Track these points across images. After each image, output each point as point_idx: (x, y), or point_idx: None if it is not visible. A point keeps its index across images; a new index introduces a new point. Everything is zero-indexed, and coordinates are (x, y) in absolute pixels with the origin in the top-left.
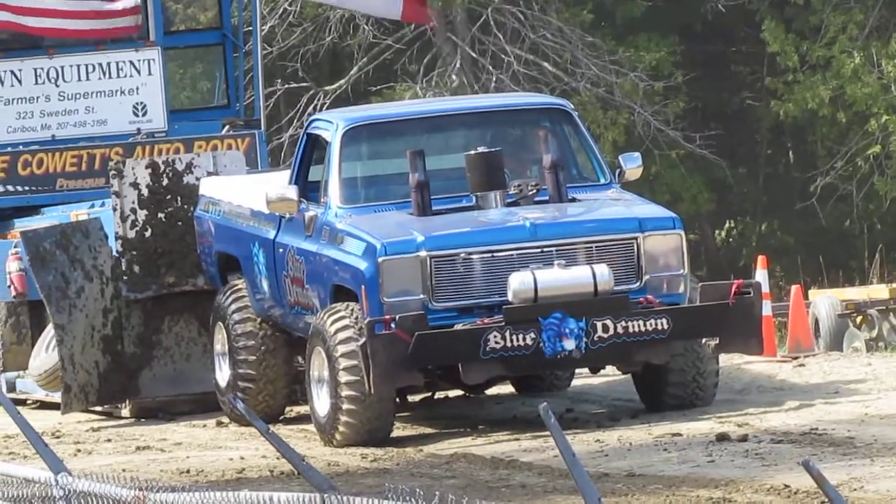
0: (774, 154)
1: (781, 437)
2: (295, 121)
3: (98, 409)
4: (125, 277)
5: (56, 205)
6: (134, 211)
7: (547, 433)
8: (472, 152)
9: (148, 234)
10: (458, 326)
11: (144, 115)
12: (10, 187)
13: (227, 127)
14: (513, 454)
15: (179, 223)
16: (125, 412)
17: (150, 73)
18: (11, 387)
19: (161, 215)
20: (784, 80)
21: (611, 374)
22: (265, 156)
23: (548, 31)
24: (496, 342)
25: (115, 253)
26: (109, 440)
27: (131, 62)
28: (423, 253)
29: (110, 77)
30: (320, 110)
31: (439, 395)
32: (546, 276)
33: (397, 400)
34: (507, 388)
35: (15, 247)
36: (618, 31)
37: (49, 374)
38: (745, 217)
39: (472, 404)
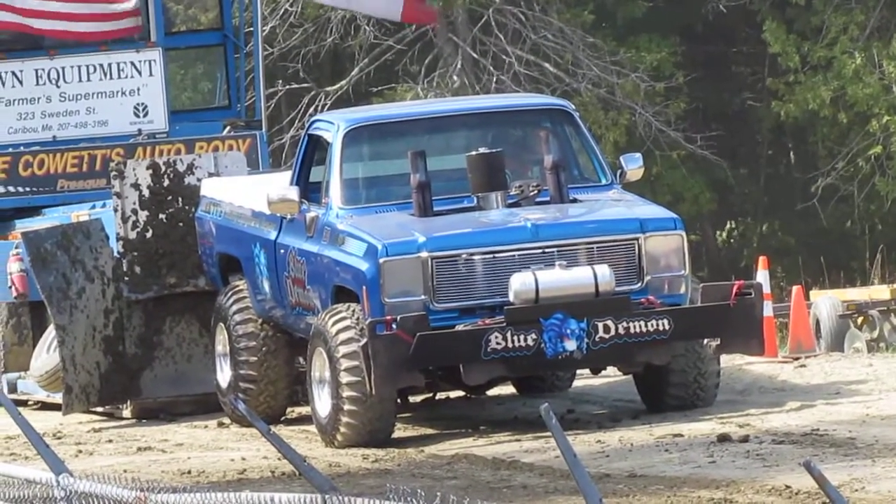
0: (775, 155)
1: (783, 437)
2: (296, 122)
3: (99, 409)
4: (126, 278)
5: (57, 206)
6: (135, 212)
7: (548, 434)
8: (474, 153)
9: (149, 234)
10: (460, 327)
11: (145, 115)
12: (11, 188)
13: (228, 128)
14: (514, 455)
15: (180, 224)
16: (126, 413)
17: (151, 74)
18: (13, 388)
19: (162, 216)
20: (785, 81)
21: (612, 374)
22: (266, 157)
23: (549, 32)
24: (497, 343)
25: (116, 254)
26: (111, 441)
27: (132, 63)
28: (424, 254)
29: (111, 78)
30: (321, 111)
31: (440, 395)
32: (547, 276)
33: (398, 401)
34: (508, 389)
35: (16, 248)
36: (619, 31)
37: (50, 375)
38: (747, 218)
39: (474, 405)
